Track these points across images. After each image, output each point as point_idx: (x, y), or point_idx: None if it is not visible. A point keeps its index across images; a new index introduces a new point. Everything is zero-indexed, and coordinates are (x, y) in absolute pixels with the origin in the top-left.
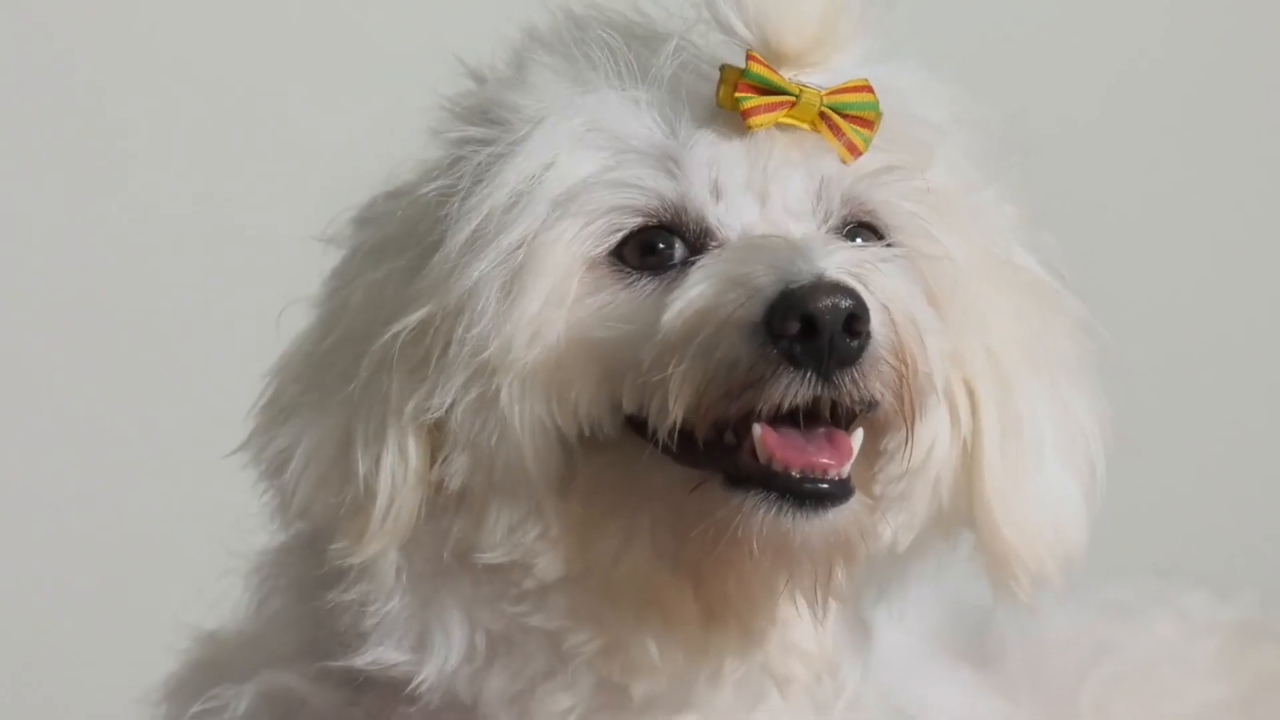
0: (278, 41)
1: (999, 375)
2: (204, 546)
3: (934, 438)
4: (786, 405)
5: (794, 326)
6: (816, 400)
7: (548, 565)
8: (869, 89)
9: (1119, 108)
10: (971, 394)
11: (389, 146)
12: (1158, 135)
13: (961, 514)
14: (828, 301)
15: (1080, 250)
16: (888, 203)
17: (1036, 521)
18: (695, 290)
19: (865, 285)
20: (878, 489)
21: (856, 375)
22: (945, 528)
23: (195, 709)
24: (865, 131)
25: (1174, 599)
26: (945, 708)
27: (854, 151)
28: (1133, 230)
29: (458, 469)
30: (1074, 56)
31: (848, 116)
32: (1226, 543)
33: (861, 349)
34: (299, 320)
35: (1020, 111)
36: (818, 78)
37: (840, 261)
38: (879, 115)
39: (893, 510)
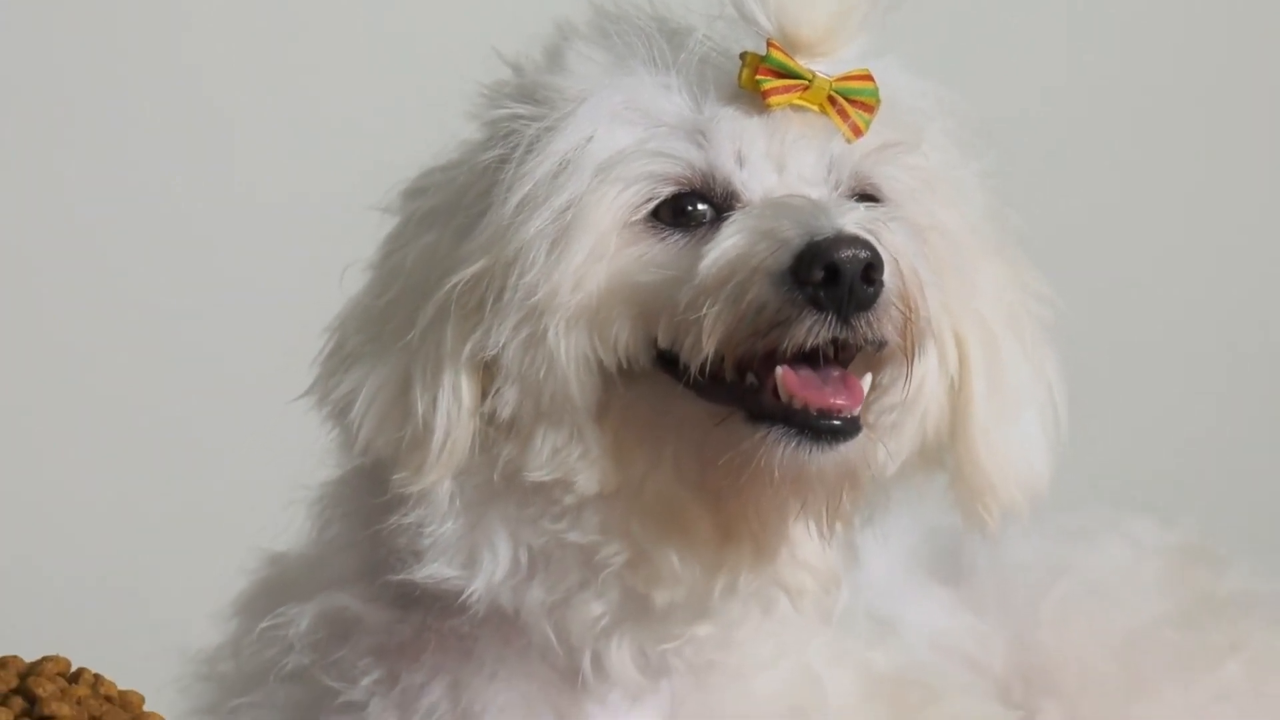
0: (302, 38)
1: (987, 333)
2: (274, 478)
3: (924, 375)
4: (809, 344)
5: (818, 274)
6: (834, 340)
7: (587, 481)
8: (870, 78)
9: (1106, 103)
10: (960, 343)
11: (424, 131)
12: (1143, 128)
13: (944, 448)
14: (849, 252)
15: (1064, 223)
16: (888, 176)
17: (1012, 460)
18: (729, 241)
19: (878, 239)
20: (872, 418)
21: (871, 318)
22: (927, 460)
23: (264, 624)
24: (866, 115)
25: (1124, 525)
26: (923, 621)
27: (857, 132)
28: (1108, 210)
29: (508, 400)
30: (1060, 51)
31: (852, 101)
32: (1170, 477)
33: (877, 295)
34: (331, 283)
35: (1002, 101)
36: (825, 66)
37: (857, 219)
38: (878, 101)
39: (884, 438)
